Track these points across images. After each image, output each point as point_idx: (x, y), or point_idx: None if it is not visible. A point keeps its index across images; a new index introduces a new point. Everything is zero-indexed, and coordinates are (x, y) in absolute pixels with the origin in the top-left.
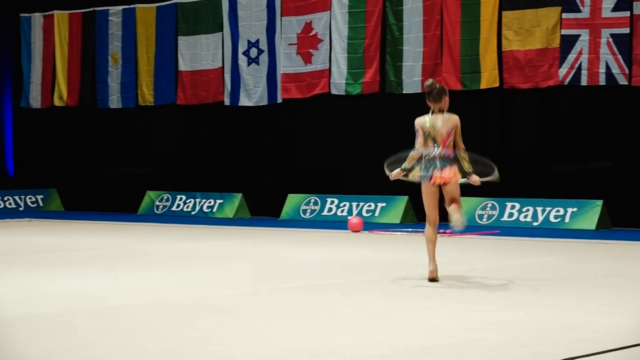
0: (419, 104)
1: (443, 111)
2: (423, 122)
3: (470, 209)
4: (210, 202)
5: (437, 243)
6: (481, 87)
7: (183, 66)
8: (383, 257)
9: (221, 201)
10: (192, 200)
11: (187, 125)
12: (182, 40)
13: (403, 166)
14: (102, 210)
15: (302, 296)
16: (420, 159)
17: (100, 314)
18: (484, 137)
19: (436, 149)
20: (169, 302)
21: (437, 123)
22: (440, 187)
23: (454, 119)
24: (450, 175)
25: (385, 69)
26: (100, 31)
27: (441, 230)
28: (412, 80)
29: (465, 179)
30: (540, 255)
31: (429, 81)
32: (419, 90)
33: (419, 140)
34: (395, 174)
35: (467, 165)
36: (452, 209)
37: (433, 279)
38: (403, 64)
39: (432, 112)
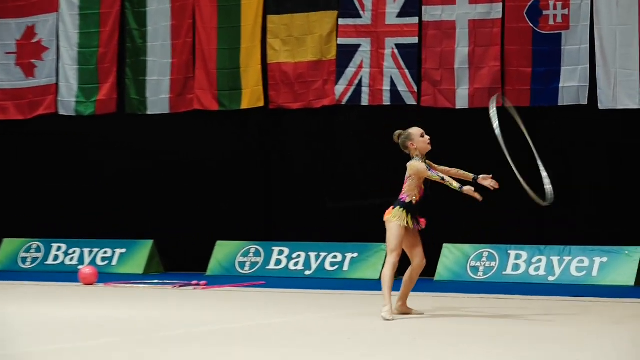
0: (167, 127)
1: (412, 158)
2: None
3: (230, 254)
4: None
5: (185, 298)
6: (242, 107)
7: None
8: (123, 316)
9: None
10: None
11: None
12: None
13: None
14: None
15: None
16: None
17: None
18: (247, 167)
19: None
20: None
21: None
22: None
23: (409, 166)
24: (385, 215)
25: (125, 85)
26: None
27: (194, 282)
28: (158, 99)
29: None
30: (311, 310)
31: (395, 134)
32: (167, 111)
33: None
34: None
35: (455, 185)
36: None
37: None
38: (147, 78)
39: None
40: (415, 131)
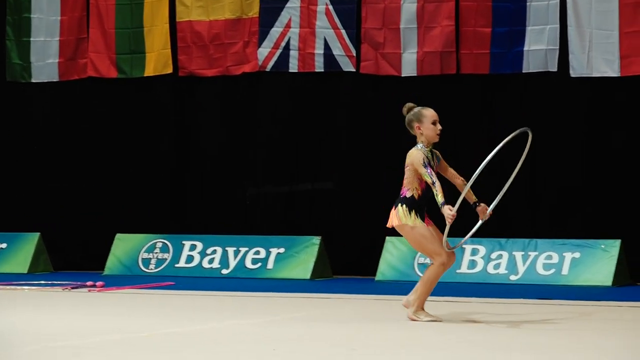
0: (56, 97)
1: (416, 143)
2: None
3: (132, 249)
4: None
5: (78, 302)
6: (146, 75)
7: None
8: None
9: None
10: None
11: None
12: None
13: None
14: None
15: None
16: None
17: None
18: (152, 146)
19: None
20: None
21: None
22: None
23: (408, 154)
24: (390, 220)
25: (5, 47)
26: None
27: (89, 283)
28: (44, 64)
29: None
30: (228, 316)
31: (406, 106)
32: (55, 78)
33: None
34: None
35: (439, 199)
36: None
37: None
38: (32, 39)
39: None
40: (429, 113)
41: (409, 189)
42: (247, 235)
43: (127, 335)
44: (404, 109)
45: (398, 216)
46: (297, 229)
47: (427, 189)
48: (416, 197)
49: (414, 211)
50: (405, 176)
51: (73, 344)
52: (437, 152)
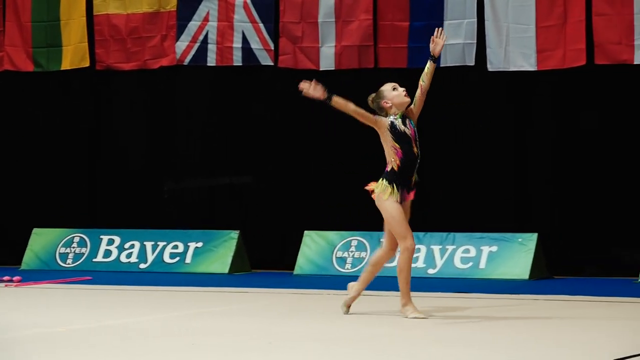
0: None
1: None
2: None
3: (49, 244)
4: None
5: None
6: (63, 68)
7: None
8: None
9: None
10: None
11: None
12: None
13: None
14: None
15: None
16: None
17: None
18: (70, 140)
19: None
20: None
21: None
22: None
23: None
24: (370, 185)
25: None
26: None
27: (5, 278)
28: None
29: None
30: (146, 310)
31: (369, 99)
32: None
33: None
34: None
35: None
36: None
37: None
38: None
39: None
40: (386, 87)
41: (388, 162)
42: (165, 229)
43: (44, 330)
44: (369, 101)
45: (378, 189)
46: (215, 223)
47: (405, 158)
48: (395, 168)
49: (393, 184)
50: (385, 150)
51: None
52: (410, 109)
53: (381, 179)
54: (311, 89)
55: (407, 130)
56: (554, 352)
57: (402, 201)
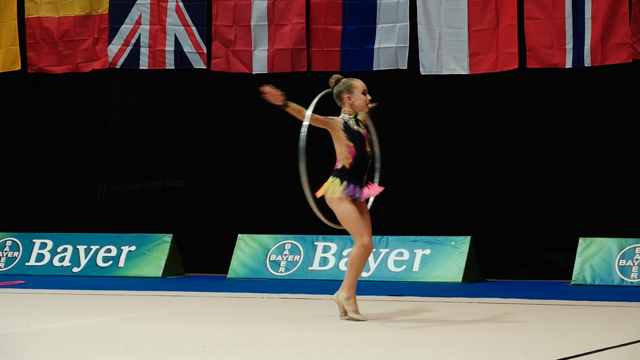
0: None
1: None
2: None
3: None
4: None
5: None
6: None
7: None
8: None
9: None
10: None
11: None
12: None
13: None
14: None
15: None
16: None
17: None
18: (4, 145)
19: None
20: None
21: None
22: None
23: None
24: (320, 190)
25: None
26: None
27: None
28: None
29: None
30: (80, 314)
31: (333, 77)
32: None
33: None
34: None
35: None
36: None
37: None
38: None
39: None
40: (359, 84)
41: (339, 160)
42: (98, 233)
43: None
44: (332, 81)
45: (327, 188)
46: (148, 227)
47: (359, 157)
48: (347, 166)
49: (345, 182)
50: (336, 149)
51: None
52: (364, 117)
53: (331, 177)
54: (271, 95)
55: (360, 130)
56: (490, 354)
57: (356, 198)
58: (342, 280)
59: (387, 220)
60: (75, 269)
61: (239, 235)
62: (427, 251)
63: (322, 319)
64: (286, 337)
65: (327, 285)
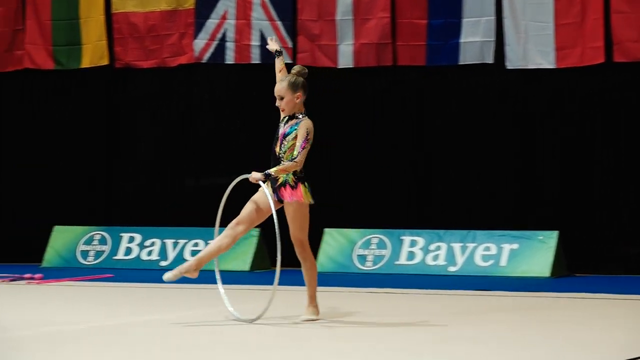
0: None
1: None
2: None
3: (70, 241)
4: None
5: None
6: (83, 66)
7: None
8: None
9: None
10: None
11: None
12: None
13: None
14: None
15: None
16: None
17: None
18: (88, 138)
19: None
20: None
21: None
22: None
23: (302, 126)
24: (291, 195)
25: None
26: None
27: (27, 275)
28: None
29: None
30: (167, 308)
31: (296, 68)
32: None
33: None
34: None
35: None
36: None
37: None
38: None
39: None
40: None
41: (290, 160)
42: (185, 227)
43: (64, 328)
44: (293, 71)
45: (302, 194)
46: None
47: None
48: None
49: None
50: (291, 146)
51: (9, 336)
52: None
53: (300, 182)
54: (251, 176)
55: (279, 130)
56: (577, 352)
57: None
58: (430, 275)
59: (474, 215)
60: (163, 263)
61: (325, 229)
62: (515, 246)
63: (409, 314)
64: (371, 332)
65: (414, 280)
